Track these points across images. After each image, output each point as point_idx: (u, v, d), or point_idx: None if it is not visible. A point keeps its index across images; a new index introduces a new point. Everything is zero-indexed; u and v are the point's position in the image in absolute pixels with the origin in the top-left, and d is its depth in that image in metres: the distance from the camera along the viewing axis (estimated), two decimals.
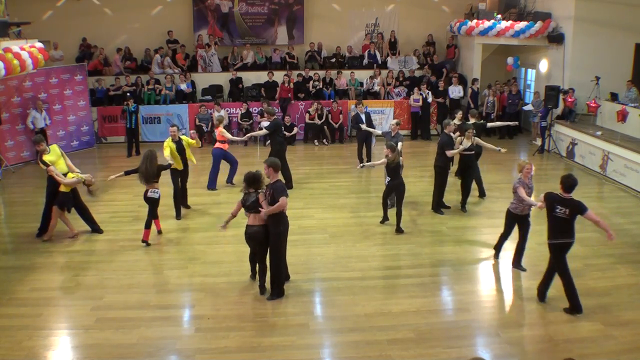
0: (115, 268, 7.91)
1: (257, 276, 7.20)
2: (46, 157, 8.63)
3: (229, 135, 11.55)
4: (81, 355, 5.89)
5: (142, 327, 6.37)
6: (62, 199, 8.73)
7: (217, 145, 11.49)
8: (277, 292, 7.00)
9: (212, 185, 11.53)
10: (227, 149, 11.55)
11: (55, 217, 8.85)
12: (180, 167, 9.86)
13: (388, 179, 9.15)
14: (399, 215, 9.08)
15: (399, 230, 9.08)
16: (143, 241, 8.68)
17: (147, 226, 8.72)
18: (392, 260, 8.16)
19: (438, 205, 10.09)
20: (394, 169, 8.98)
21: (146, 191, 8.68)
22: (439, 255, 8.36)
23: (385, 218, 9.52)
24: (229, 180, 11.71)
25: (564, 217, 6.48)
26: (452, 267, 7.95)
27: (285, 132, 15.21)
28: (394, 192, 9.17)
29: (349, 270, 7.83)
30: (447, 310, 6.89)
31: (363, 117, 12.97)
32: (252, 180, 6.99)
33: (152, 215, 8.81)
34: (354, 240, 8.89)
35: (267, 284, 7.08)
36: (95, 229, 9.23)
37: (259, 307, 6.82)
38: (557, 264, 6.64)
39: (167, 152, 9.53)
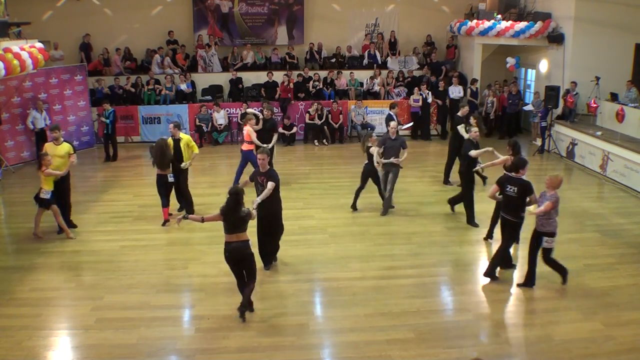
0: (115, 268, 7.91)
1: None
2: (48, 146, 8.93)
3: (255, 139, 10.77)
4: (81, 355, 5.89)
5: (142, 327, 6.37)
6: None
7: (245, 146, 10.81)
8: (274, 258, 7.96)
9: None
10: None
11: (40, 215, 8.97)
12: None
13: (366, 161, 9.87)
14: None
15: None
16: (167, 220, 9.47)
17: (165, 205, 9.48)
18: (392, 260, 8.15)
19: (471, 218, 9.45)
20: None
21: (165, 176, 9.27)
22: (439, 255, 8.36)
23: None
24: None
25: (513, 195, 7.17)
26: (452, 267, 7.96)
27: (284, 131, 15.27)
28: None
29: (349, 270, 7.83)
30: (447, 310, 6.90)
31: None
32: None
33: (168, 196, 9.53)
34: (354, 240, 8.89)
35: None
36: (60, 230, 9.08)
37: (259, 307, 6.81)
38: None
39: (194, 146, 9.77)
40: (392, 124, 10.05)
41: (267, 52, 17.55)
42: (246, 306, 6.44)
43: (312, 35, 17.76)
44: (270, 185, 7.28)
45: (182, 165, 9.56)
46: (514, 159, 7.61)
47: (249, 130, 10.76)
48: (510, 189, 7.18)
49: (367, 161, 9.91)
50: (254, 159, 9.84)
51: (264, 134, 11.20)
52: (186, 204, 9.92)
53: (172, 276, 7.69)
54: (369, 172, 9.91)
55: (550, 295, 7.11)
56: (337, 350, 6.08)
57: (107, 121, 13.85)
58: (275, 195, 7.46)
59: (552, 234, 6.98)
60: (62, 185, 9.06)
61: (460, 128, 10.65)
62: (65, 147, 9.05)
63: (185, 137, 9.74)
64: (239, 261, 6.42)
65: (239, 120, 15.62)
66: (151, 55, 16.61)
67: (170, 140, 9.53)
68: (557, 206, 6.96)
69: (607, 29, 13.95)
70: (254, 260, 6.51)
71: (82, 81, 15.20)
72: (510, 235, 7.46)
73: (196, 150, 9.80)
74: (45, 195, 8.67)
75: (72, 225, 9.29)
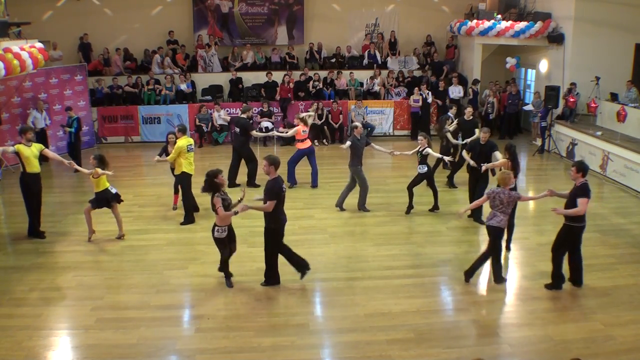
0: (116, 268, 7.92)
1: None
2: (22, 148, 8.69)
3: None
4: (81, 355, 5.89)
5: (142, 327, 6.37)
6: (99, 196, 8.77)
7: (302, 144, 11.41)
8: (268, 280, 7.36)
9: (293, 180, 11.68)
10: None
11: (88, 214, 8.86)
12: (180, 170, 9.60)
13: (425, 168, 9.81)
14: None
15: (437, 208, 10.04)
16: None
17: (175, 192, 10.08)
18: (392, 260, 8.15)
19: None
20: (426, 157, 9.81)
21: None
22: (439, 255, 8.36)
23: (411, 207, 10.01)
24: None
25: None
26: (452, 267, 7.95)
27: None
28: (427, 179, 9.93)
29: (349, 270, 7.83)
30: (447, 310, 6.90)
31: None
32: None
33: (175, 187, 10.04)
34: (354, 240, 8.89)
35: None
36: (35, 232, 9.04)
37: (259, 307, 6.82)
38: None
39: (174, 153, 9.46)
40: (359, 125, 10.32)
41: (267, 52, 17.56)
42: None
43: (312, 35, 17.77)
44: (260, 201, 7.03)
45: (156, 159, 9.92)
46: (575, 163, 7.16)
47: (299, 129, 11.36)
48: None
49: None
50: (299, 154, 11.48)
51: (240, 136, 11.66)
52: (186, 211, 9.71)
53: (172, 276, 7.68)
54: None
55: (550, 295, 7.10)
56: (337, 350, 6.07)
57: (72, 130, 13.08)
58: (270, 214, 6.94)
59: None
60: (37, 186, 9.00)
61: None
62: (37, 146, 8.99)
63: (178, 142, 9.44)
64: None
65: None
66: (150, 56, 16.62)
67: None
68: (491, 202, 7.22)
69: (607, 29, 13.96)
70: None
71: (82, 81, 15.21)
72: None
73: (171, 155, 9.52)
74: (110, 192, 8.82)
75: (40, 234, 9.06)
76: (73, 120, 13.15)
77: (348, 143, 9.88)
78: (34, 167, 8.87)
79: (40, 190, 9.13)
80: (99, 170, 8.61)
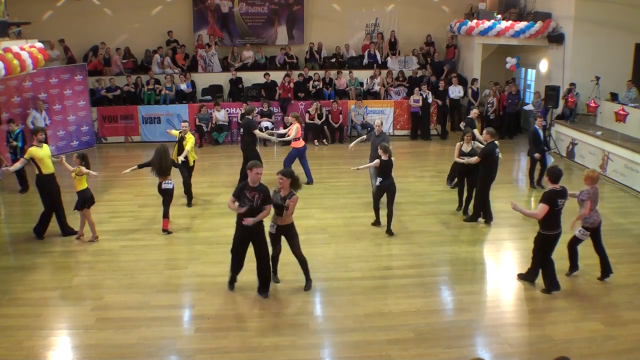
0: (115, 268, 7.91)
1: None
2: (35, 150, 8.66)
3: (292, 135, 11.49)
4: (81, 355, 5.89)
5: (142, 327, 6.38)
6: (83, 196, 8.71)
7: (298, 143, 11.44)
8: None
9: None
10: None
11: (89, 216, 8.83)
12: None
13: (379, 179, 8.96)
14: (390, 216, 8.99)
15: (390, 232, 9.02)
16: (164, 230, 9.09)
17: (165, 215, 9.12)
18: (392, 260, 8.16)
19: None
20: (386, 169, 8.87)
21: (160, 183, 9.03)
22: (439, 255, 8.35)
23: (378, 221, 9.38)
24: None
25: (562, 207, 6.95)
26: (452, 267, 7.96)
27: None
28: (386, 193, 9.03)
29: (349, 270, 7.83)
30: (447, 310, 6.90)
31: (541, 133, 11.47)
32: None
33: (168, 205, 9.16)
34: (354, 240, 8.89)
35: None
36: (68, 231, 9.06)
37: (259, 307, 6.82)
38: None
39: (189, 146, 10.15)
40: (377, 121, 10.58)
41: (269, 52, 17.55)
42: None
43: (312, 35, 17.77)
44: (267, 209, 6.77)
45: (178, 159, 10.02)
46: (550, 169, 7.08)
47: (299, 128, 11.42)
48: (561, 202, 6.88)
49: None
50: (294, 153, 11.36)
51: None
52: (187, 195, 10.45)
53: (172, 276, 7.69)
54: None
55: (550, 295, 7.10)
56: (337, 350, 6.08)
57: (19, 144, 11.77)
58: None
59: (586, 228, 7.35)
60: (55, 187, 8.95)
61: (476, 132, 10.72)
62: (47, 147, 9.01)
63: (189, 136, 10.31)
64: None
65: (239, 120, 15.66)
66: (150, 56, 16.62)
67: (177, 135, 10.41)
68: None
69: (607, 29, 13.96)
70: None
71: (82, 81, 15.20)
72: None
73: (188, 146, 10.17)
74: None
75: (69, 230, 9.11)
76: (17, 134, 11.86)
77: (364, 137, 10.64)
78: (49, 167, 8.81)
79: (59, 190, 9.05)
80: (84, 169, 8.55)
